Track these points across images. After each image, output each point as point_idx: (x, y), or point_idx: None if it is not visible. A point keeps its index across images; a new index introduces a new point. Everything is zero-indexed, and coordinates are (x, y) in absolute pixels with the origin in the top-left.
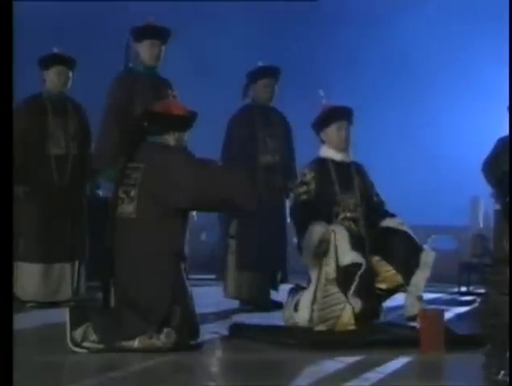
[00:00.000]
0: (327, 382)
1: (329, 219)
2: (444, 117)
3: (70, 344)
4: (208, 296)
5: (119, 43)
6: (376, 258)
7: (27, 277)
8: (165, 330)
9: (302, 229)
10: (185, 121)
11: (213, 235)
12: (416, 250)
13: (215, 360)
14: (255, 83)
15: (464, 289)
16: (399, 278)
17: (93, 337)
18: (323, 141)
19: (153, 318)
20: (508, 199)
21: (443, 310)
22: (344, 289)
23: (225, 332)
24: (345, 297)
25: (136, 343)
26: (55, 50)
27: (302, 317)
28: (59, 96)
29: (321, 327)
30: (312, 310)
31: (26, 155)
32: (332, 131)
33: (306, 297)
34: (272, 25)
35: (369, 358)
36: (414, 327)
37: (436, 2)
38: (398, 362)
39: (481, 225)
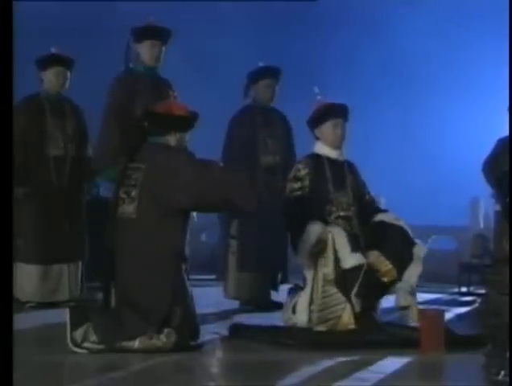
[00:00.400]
0: (327, 382)
1: (323, 217)
2: (444, 118)
3: (70, 344)
4: (208, 296)
5: (119, 43)
6: (375, 253)
7: (26, 278)
8: (165, 330)
9: (295, 226)
10: (186, 122)
11: (213, 235)
12: (410, 244)
13: (215, 360)
14: (256, 83)
15: (464, 289)
16: (395, 272)
17: (94, 337)
18: (317, 138)
19: (153, 318)
20: (508, 200)
21: (443, 311)
22: (346, 289)
23: (225, 332)
24: (345, 297)
25: (136, 344)
26: (53, 50)
27: (300, 319)
28: (57, 96)
29: (321, 328)
30: (311, 311)
31: (25, 155)
32: (327, 128)
33: (303, 299)
34: (272, 25)
35: (369, 358)
36: (414, 327)
37: (436, 2)
38: (398, 362)
39: (481, 225)
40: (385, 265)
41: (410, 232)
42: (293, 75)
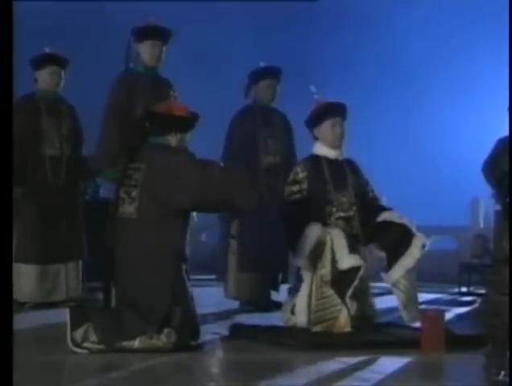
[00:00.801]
0: (326, 382)
1: (323, 218)
2: (444, 118)
3: (70, 344)
4: (208, 296)
5: (119, 43)
6: (370, 247)
7: (23, 278)
8: (165, 330)
9: (293, 229)
10: (187, 122)
11: (214, 235)
12: (409, 236)
13: (215, 361)
14: (257, 83)
15: (464, 289)
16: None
17: (94, 337)
18: (316, 138)
19: (153, 318)
20: (508, 200)
21: (443, 311)
22: (341, 291)
23: (226, 332)
24: (341, 299)
25: (136, 344)
26: (47, 50)
27: (300, 320)
28: (52, 96)
29: (318, 328)
30: (310, 312)
31: (21, 155)
32: (326, 128)
33: (302, 300)
34: (272, 25)
35: (368, 358)
36: (414, 328)
37: (436, 2)
38: (398, 362)
39: (482, 225)
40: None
41: (414, 227)
42: (292, 75)
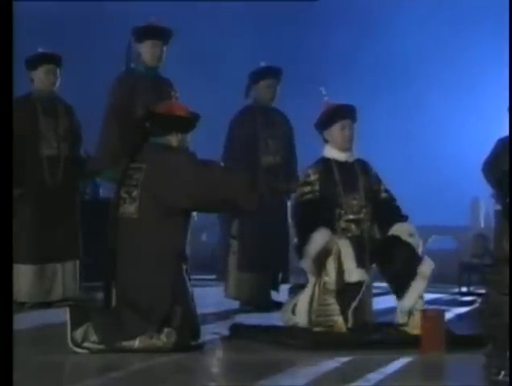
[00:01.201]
0: (327, 382)
1: (332, 221)
2: (444, 118)
3: (71, 344)
4: (208, 296)
5: (119, 43)
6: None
7: (21, 278)
8: (166, 330)
9: (303, 230)
10: (188, 122)
11: (214, 235)
12: (415, 262)
13: (215, 360)
14: (257, 83)
15: (464, 289)
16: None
17: (94, 337)
18: (326, 141)
19: (153, 318)
20: (508, 200)
21: (443, 311)
22: (346, 303)
23: (226, 332)
24: (342, 309)
25: (137, 343)
26: (41, 49)
27: (301, 320)
28: (49, 95)
29: (318, 329)
30: (310, 313)
31: (20, 155)
32: (335, 130)
33: (303, 301)
34: (272, 25)
35: (369, 358)
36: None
37: (436, 2)
38: (399, 362)
39: (482, 225)
40: None
41: (420, 248)
42: (292, 75)
